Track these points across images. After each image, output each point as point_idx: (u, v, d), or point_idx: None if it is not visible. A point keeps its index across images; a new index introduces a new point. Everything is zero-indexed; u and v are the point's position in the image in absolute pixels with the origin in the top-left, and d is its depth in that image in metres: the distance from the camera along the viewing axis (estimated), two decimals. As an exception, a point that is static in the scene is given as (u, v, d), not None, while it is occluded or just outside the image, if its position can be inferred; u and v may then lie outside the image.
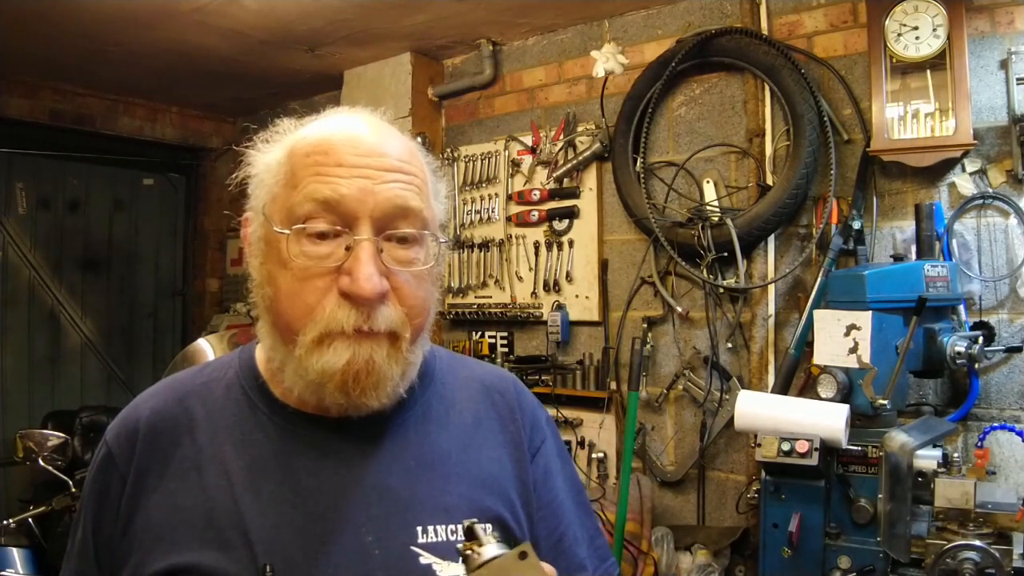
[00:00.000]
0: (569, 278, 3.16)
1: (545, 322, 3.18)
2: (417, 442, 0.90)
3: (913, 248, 2.24)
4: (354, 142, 0.84)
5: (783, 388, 2.43)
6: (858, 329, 1.83)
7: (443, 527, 0.85)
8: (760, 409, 1.93)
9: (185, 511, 0.83)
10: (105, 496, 0.87)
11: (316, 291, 0.81)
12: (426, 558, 0.83)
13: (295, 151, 0.85)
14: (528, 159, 3.29)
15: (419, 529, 0.84)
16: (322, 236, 0.81)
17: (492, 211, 3.40)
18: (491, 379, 1.03)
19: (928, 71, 2.26)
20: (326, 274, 0.81)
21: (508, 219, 3.34)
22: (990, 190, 2.27)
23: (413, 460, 0.89)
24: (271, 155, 0.88)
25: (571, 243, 3.15)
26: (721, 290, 2.72)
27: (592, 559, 1.00)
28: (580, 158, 3.08)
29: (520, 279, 3.31)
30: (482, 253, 3.43)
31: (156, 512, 0.84)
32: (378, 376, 0.82)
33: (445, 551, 0.84)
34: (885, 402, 1.79)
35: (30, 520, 2.65)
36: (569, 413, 3.11)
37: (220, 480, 0.84)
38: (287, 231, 0.81)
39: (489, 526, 0.76)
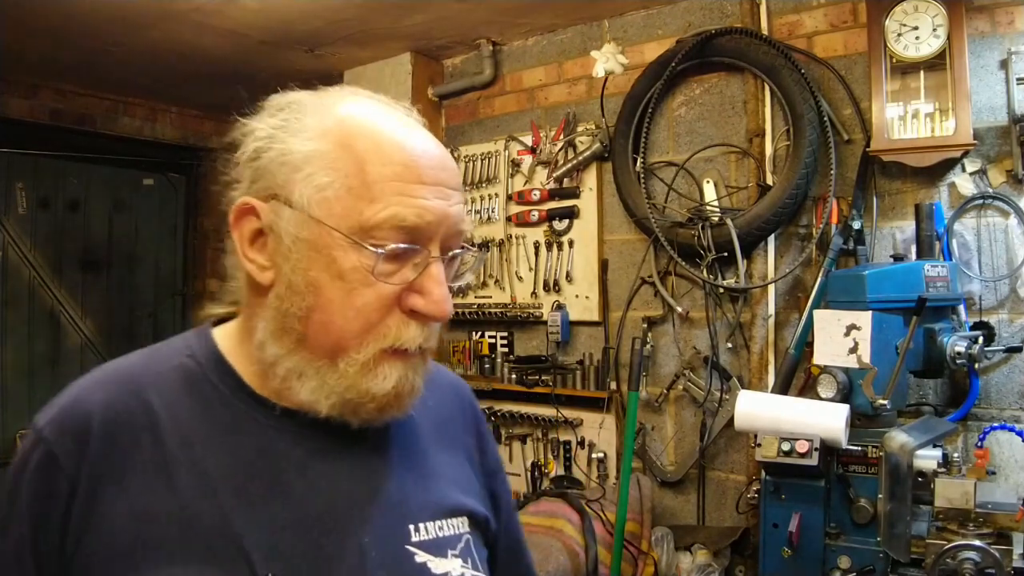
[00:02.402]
0: (569, 278, 3.16)
1: (545, 322, 3.18)
2: (400, 440, 0.88)
3: (913, 248, 2.24)
4: (427, 153, 0.78)
5: (783, 388, 2.43)
6: (858, 329, 1.83)
7: (433, 524, 0.85)
8: (760, 409, 1.93)
9: (158, 521, 0.73)
10: (46, 504, 0.74)
11: (381, 309, 0.76)
12: (421, 556, 0.82)
13: (359, 148, 0.76)
14: (528, 159, 3.29)
15: (411, 528, 0.83)
16: (388, 255, 0.75)
17: (492, 211, 3.40)
18: (454, 381, 1.03)
19: (928, 71, 2.26)
20: (392, 293, 0.76)
21: (508, 219, 3.34)
22: (990, 190, 2.27)
23: (397, 458, 0.87)
24: (307, 141, 0.77)
25: (571, 243, 3.15)
26: (721, 290, 2.72)
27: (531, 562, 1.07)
28: (580, 158, 3.08)
29: (520, 279, 3.31)
30: (482, 253, 3.42)
31: (120, 524, 0.73)
32: (415, 394, 0.81)
33: (436, 548, 0.83)
34: (885, 402, 1.78)
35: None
36: (569, 413, 3.11)
37: (197, 484, 0.76)
38: (366, 245, 0.74)
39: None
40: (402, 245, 0.75)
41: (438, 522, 0.85)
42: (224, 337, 0.86)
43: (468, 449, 0.98)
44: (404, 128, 0.79)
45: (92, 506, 0.74)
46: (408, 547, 0.82)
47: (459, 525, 0.87)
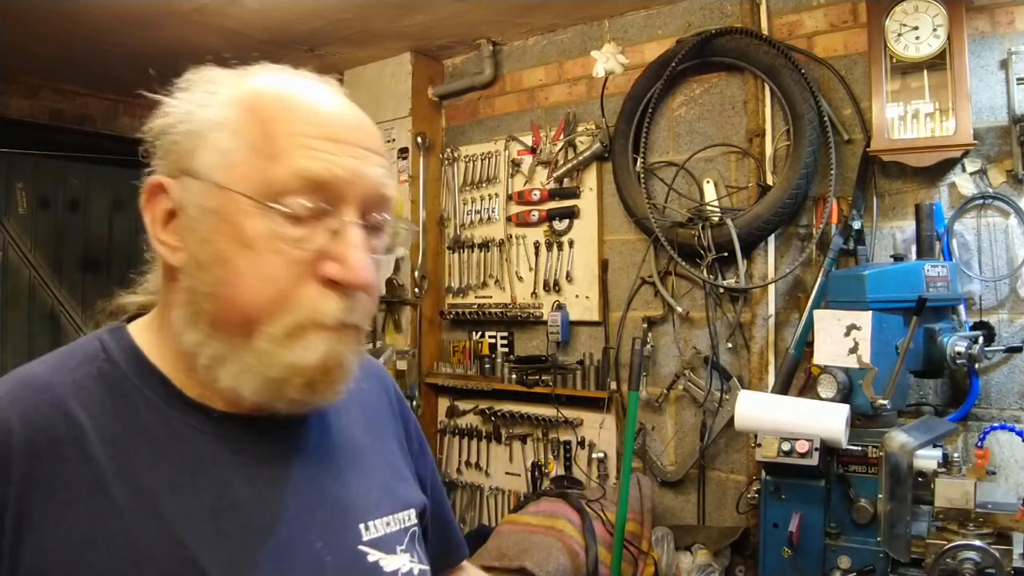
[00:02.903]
0: (569, 278, 3.16)
1: (545, 322, 3.18)
2: (339, 436, 0.85)
3: (913, 248, 2.24)
4: (339, 114, 0.74)
5: (783, 388, 2.43)
6: (858, 329, 1.83)
7: (380, 521, 0.83)
8: (760, 409, 1.93)
9: (99, 548, 0.66)
10: None
11: (291, 276, 0.70)
12: (373, 555, 0.80)
13: (267, 112, 0.71)
14: (528, 159, 3.29)
15: (362, 527, 0.81)
16: (297, 217, 0.70)
17: (492, 211, 3.40)
18: (370, 366, 0.96)
19: (928, 71, 2.26)
20: (303, 259, 0.70)
21: (508, 219, 3.34)
22: (990, 190, 2.27)
23: (340, 456, 0.83)
24: (215, 109, 0.72)
25: (571, 243, 3.15)
26: (721, 290, 2.72)
27: (461, 537, 1.08)
28: (580, 158, 3.08)
29: (520, 279, 3.31)
30: (482, 253, 3.43)
31: (55, 555, 0.65)
32: (346, 371, 0.75)
33: (386, 545, 0.82)
34: (885, 402, 1.78)
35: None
36: (569, 413, 3.11)
37: (135, 501, 0.68)
38: (270, 204, 0.68)
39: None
40: (310, 204, 0.69)
41: (385, 518, 0.84)
42: (142, 333, 0.78)
43: (398, 435, 0.96)
44: (319, 92, 0.75)
45: (21, 534, 0.65)
46: (361, 547, 0.80)
47: (404, 519, 0.86)
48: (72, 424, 0.70)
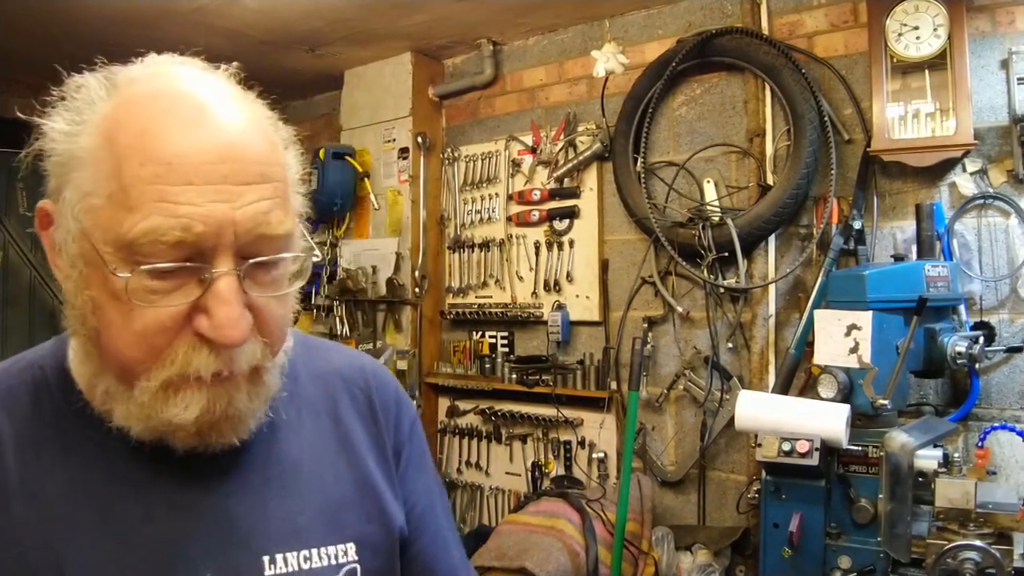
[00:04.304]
0: (569, 278, 3.16)
1: (545, 322, 3.18)
2: (264, 455, 0.77)
3: (914, 248, 2.24)
4: (203, 142, 0.64)
5: (783, 388, 2.43)
6: (859, 329, 1.83)
7: (294, 554, 0.74)
8: (760, 409, 1.92)
9: None
10: None
11: (164, 332, 0.65)
12: None
13: (121, 146, 0.63)
14: (528, 159, 3.29)
15: (266, 559, 0.73)
16: (163, 271, 0.64)
17: (492, 211, 3.40)
18: (349, 371, 0.89)
19: (929, 71, 2.26)
20: (173, 314, 0.65)
21: (508, 219, 3.34)
22: (991, 190, 2.26)
23: (259, 478, 0.76)
24: (80, 138, 0.66)
25: (571, 243, 3.15)
26: (721, 290, 2.72)
27: (464, 562, 0.95)
28: (580, 158, 3.08)
29: (520, 279, 3.31)
30: (482, 253, 3.43)
31: None
32: (238, 419, 0.70)
33: None
34: (885, 402, 1.78)
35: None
36: (569, 413, 3.11)
37: (29, 511, 0.67)
38: (130, 261, 0.63)
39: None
40: (167, 265, 0.63)
41: (305, 551, 0.75)
42: (73, 352, 0.75)
43: (372, 447, 0.86)
44: (186, 111, 0.65)
45: None
46: None
47: (339, 554, 0.77)
48: None
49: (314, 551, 0.75)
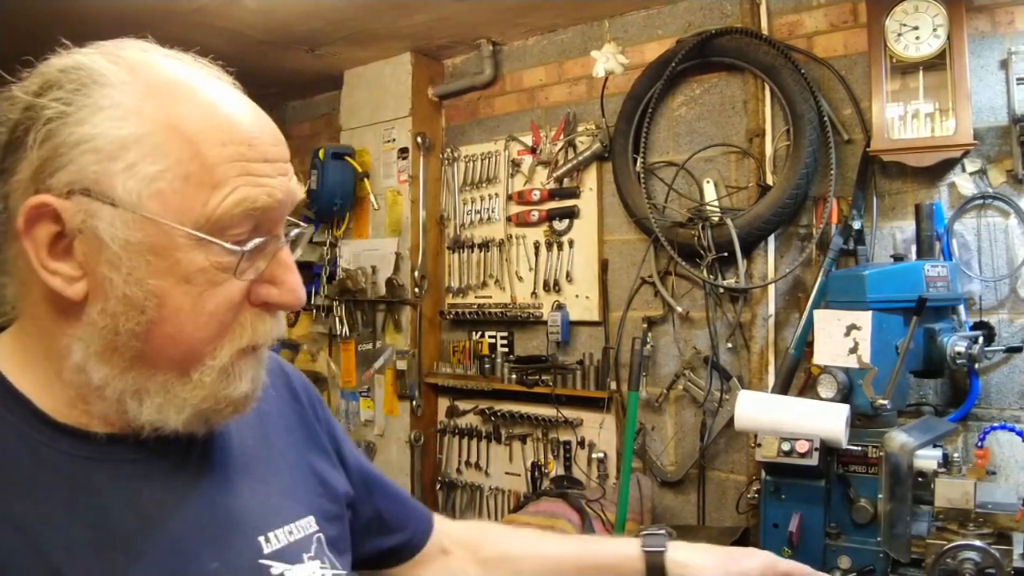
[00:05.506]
0: (569, 278, 3.16)
1: (545, 322, 3.18)
2: (228, 443, 0.79)
3: (913, 248, 2.24)
4: (264, 128, 0.70)
5: (783, 388, 2.43)
6: (858, 329, 1.83)
7: (282, 530, 0.78)
8: (760, 409, 1.92)
9: None
10: None
11: (233, 308, 0.68)
12: (277, 567, 0.76)
13: (194, 135, 0.65)
14: (528, 159, 3.29)
15: (262, 540, 0.76)
16: (236, 246, 0.67)
17: (492, 211, 3.40)
18: (272, 358, 0.91)
19: (928, 71, 2.26)
20: (243, 288, 0.69)
21: (508, 219, 3.34)
22: (990, 190, 2.26)
23: (231, 464, 0.78)
24: (123, 122, 0.64)
25: (571, 243, 3.15)
26: (721, 290, 2.72)
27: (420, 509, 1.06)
28: (580, 158, 3.08)
29: (520, 279, 3.31)
30: (482, 253, 3.43)
31: None
32: (262, 389, 0.75)
33: (291, 555, 0.78)
34: (885, 402, 1.78)
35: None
36: (569, 413, 3.11)
37: (10, 538, 0.62)
38: (214, 239, 0.65)
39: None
40: (258, 239, 0.68)
41: (288, 527, 0.79)
42: (4, 354, 0.70)
43: (307, 429, 0.92)
44: (232, 99, 0.70)
45: None
46: (262, 561, 0.75)
47: (306, 526, 0.82)
48: None
49: (291, 525, 0.80)
